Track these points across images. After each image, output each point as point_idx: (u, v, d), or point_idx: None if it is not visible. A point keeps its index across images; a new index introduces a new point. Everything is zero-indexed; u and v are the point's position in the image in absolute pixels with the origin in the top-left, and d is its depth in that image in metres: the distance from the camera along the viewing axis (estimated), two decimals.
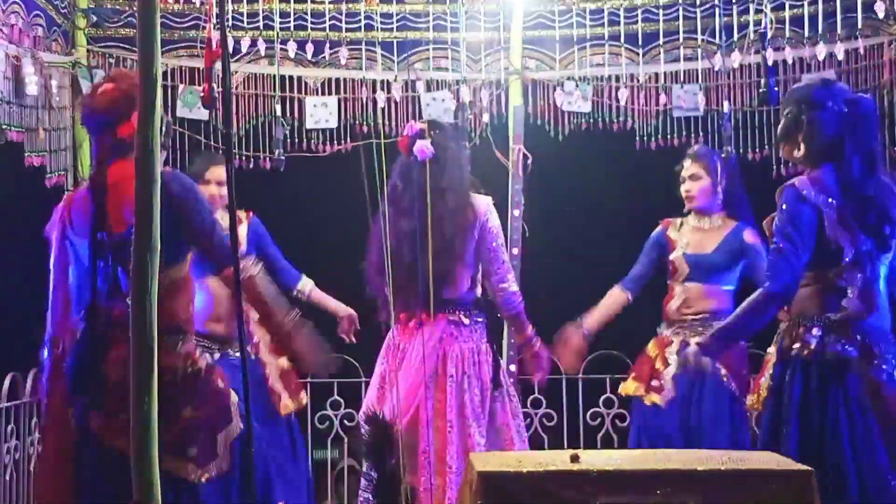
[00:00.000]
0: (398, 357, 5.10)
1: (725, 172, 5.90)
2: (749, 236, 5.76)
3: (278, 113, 6.84)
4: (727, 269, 5.79)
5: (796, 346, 4.32)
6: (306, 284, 6.11)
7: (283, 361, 5.79)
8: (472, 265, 5.13)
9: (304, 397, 6.04)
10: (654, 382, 5.78)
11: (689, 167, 5.88)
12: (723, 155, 6.59)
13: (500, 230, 5.21)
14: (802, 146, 4.35)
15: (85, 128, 4.57)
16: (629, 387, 5.94)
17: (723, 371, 5.67)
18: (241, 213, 5.92)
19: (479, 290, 5.22)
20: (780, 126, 4.49)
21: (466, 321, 5.12)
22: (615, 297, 5.95)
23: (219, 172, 5.73)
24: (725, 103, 6.77)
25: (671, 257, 5.89)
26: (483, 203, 5.17)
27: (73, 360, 4.13)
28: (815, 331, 4.29)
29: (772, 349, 4.48)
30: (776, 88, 6.23)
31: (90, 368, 4.05)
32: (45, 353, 4.23)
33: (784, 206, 4.28)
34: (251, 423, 3.37)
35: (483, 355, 5.13)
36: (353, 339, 6.07)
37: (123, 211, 4.00)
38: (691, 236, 5.89)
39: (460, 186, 5.13)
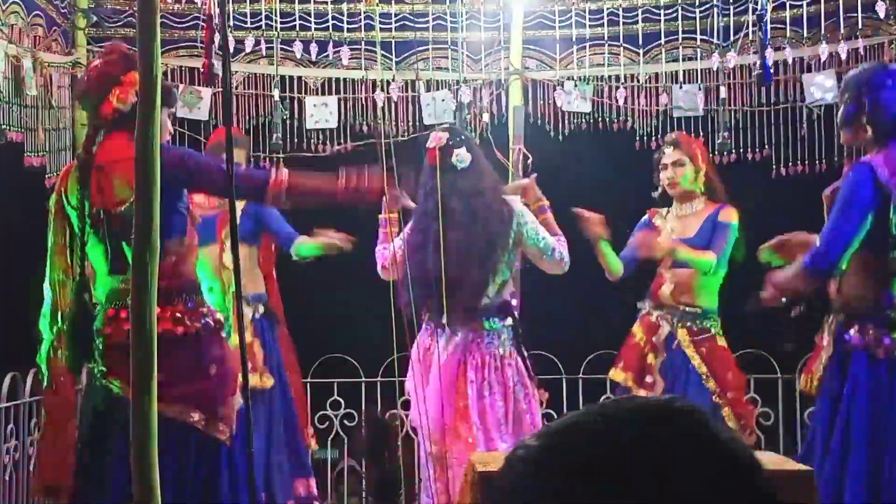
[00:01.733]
0: (427, 361, 5.12)
1: (705, 157, 5.96)
2: (724, 215, 5.79)
3: (276, 98, 6.84)
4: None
5: (855, 339, 4.34)
6: (295, 247, 6.09)
7: (256, 342, 5.86)
8: (504, 269, 5.17)
9: (270, 379, 6.03)
10: (648, 378, 5.79)
11: (671, 154, 5.90)
12: (718, 141, 6.61)
13: (536, 223, 5.24)
14: (869, 128, 4.38)
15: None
16: (618, 375, 5.94)
17: (704, 370, 5.70)
18: None
19: (507, 294, 5.25)
20: (839, 113, 4.53)
21: (490, 327, 5.14)
22: (620, 263, 5.93)
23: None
24: (722, 89, 6.77)
25: None
26: (515, 202, 5.24)
27: (77, 329, 4.17)
28: (881, 326, 4.31)
29: (826, 339, 4.49)
30: (770, 69, 6.24)
31: (91, 338, 4.12)
32: (47, 323, 4.25)
33: (849, 181, 4.31)
34: (248, 381, 3.38)
35: (506, 360, 5.13)
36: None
37: (118, 188, 4.04)
38: (675, 223, 5.93)
39: (495, 185, 5.22)
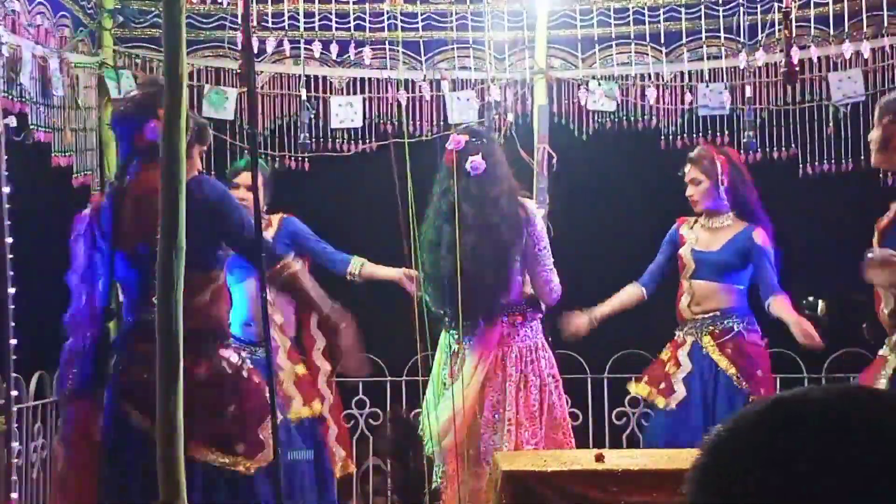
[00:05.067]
0: (456, 364, 5.17)
1: (727, 171, 5.88)
2: (758, 237, 5.77)
3: (303, 97, 6.84)
4: (734, 269, 5.81)
5: None
6: (356, 265, 6.05)
7: (300, 368, 5.80)
8: (524, 265, 5.24)
9: (319, 406, 5.97)
10: (662, 385, 5.79)
11: (689, 171, 5.92)
12: (744, 140, 6.59)
13: (545, 233, 5.30)
14: None
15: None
16: (641, 389, 5.96)
17: (732, 370, 5.69)
18: (273, 217, 5.96)
19: (534, 287, 5.32)
20: (876, 135, 4.51)
21: (522, 320, 5.21)
22: (629, 292, 6.04)
23: (248, 177, 5.75)
24: (748, 88, 6.74)
25: (680, 252, 5.94)
26: (531, 206, 5.29)
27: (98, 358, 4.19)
28: None
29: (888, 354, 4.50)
30: (796, 68, 6.21)
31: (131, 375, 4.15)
32: (68, 362, 4.28)
33: None
34: (276, 416, 3.40)
35: (540, 351, 5.23)
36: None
37: (153, 218, 4.04)
38: (701, 234, 5.93)
39: (511, 191, 5.24)
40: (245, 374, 4.28)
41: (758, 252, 5.72)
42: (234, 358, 4.29)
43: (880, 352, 4.59)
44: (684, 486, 1.21)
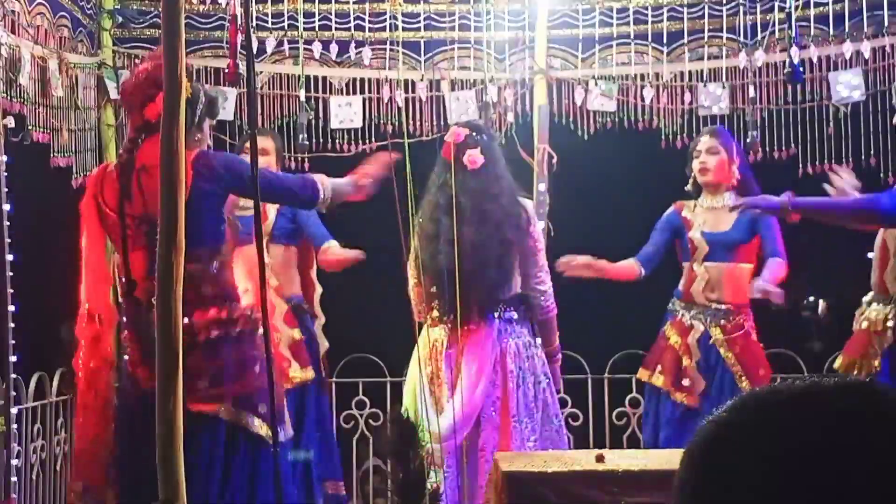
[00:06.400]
0: (453, 360, 5.16)
1: (739, 152, 5.98)
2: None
3: (302, 98, 6.83)
4: (744, 245, 5.79)
5: None
6: (328, 249, 5.91)
7: (296, 333, 5.82)
8: (521, 265, 5.25)
9: (312, 372, 5.95)
10: (685, 382, 5.76)
11: (706, 141, 5.91)
12: (747, 140, 6.59)
13: (542, 234, 5.31)
14: None
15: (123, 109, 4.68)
16: (657, 379, 5.90)
17: (737, 368, 5.69)
18: None
19: (529, 286, 5.32)
20: None
21: (517, 316, 5.21)
22: (629, 264, 5.97)
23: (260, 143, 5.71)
24: (751, 87, 6.73)
25: (690, 236, 5.90)
26: (531, 207, 5.30)
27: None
28: None
29: (879, 327, 4.54)
30: (800, 68, 6.21)
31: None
32: (83, 326, 4.28)
33: None
34: (274, 401, 3.40)
35: (533, 349, 5.23)
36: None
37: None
38: (706, 215, 5.91)
39: (511, 189, 5.24)
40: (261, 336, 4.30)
41: (764, 222, 5.71)
42: (256, 316, 4.29)
43: (859, 325, 4.63)
44: (673, 490, 1.18)
